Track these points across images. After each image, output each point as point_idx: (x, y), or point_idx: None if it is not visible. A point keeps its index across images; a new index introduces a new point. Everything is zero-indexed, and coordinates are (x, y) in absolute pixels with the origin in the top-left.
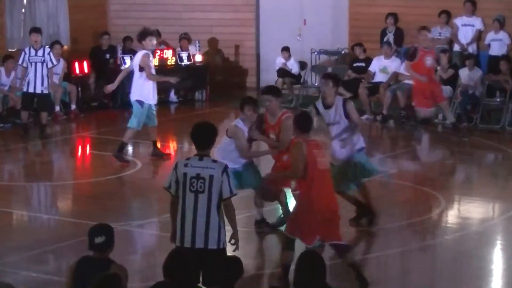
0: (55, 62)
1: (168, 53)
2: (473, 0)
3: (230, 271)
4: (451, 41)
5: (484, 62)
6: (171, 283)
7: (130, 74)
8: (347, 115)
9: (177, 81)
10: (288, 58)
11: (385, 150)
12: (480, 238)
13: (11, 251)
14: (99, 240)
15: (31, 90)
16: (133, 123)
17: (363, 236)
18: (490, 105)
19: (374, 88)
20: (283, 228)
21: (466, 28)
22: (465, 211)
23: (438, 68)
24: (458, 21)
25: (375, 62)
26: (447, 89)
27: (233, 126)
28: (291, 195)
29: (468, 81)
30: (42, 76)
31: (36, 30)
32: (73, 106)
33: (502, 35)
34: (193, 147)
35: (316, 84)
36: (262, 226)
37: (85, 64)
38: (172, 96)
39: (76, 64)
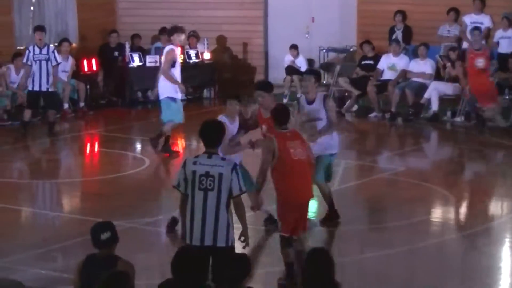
0: (59, 60)
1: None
2: None
3: (239, 269)
4: (459, 39)
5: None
6: (179, 281)
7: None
8: (326, 111)
9: (182, 92)
10: (296, 55)
11: (394, 147)
12: (489, 236)
13: (20, 248)
14: (104, 236)
15: (36, 88)
16: (169, 116)
17: (371, 234)
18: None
19: (383, 86)
20: None
21: (475, 25)
22: (473, 209)
23: (448, 65)
24: (467, 18)
25: (384, 60)
26: (455, 87)
27: None
28: None
29: None
30: (47, 74)
31: (40, 28)
32: (82, 104)
33: (511, 32)
34: (201, 144)
35: (324, 82)
36: (267, 224)
37: (93, 62)
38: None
39: (85, 62)
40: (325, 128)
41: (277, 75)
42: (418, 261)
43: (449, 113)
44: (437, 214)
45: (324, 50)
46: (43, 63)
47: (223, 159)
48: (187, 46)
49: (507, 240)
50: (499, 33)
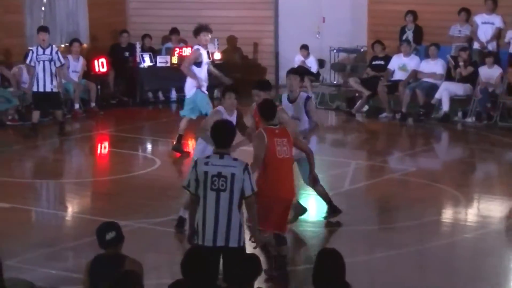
0: (63, 61)
1: (187, 51)
2: None
3: (249, 269)
4: (470, 39)
5: (504, 60)
6: (189, 281)
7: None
8: (307, 113)
9: (199, 86)
10: (306, 56)
11: (404, 148)
12: (500, 236)
13: (30, 248)
14: (110, 236)
15: (40, 89)
16: (186, 112)
17: (381, 234)
18: (510, 103)
19: (393, 86)
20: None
21: (486, 26)
22: (484, 209)
23: (461, 64)
24: (478, 18)
25: (394, 60)
26: (466, 87)
27: (213, 111)
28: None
29: (488, 79)
30: (51, 74)
31: (43, 29)
32: (93, 104)
33: None
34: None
35: (335, 82)
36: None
37: (104, 62)
38: None
39: (95, 62)
40: (312, 129)
41: None
42: (428, 262)
43: (460, 114)
44: (447, 214)
45: (335, 50)
46: (47, 63)
47: (235, 159)
48: None
49: None
50: (510, 33)
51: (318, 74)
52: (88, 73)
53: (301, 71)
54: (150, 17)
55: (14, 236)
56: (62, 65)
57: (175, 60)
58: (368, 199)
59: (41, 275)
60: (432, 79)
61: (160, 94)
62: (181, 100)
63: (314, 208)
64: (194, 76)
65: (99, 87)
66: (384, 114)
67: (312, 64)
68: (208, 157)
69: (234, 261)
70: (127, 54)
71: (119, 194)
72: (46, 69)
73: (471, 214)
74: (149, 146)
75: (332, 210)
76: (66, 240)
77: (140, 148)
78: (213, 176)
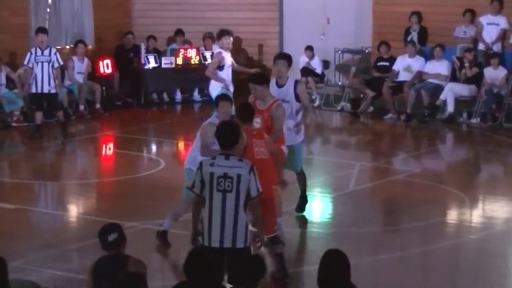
0: (61, 62)
1: (192, 52)
2: None
3: (255, 270)
4: (475, 40)
5: (509, 61)
6: (193, 283)
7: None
8: (297, 97)
9: (226, 86)
10: (311, 57)
11: (409, 149)
12: (505, 238)
13: (35, 249)
14: (112, 237)
15: (39, 90)
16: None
17: (386, 235)
18: None
19: (398, 87)
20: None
21: (491, 27)
22: (489, 211)
23: (466, 65)
24: (483, 19)
25: (399, 61)
26: (471, 88)
27: (207, 124)
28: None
29: (493, 80)
30: (49, 75)
31: (42, 30)
32: (98, 105)
33: None
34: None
35: (339, 83)
36: None
37: (109, 63)
38: (196, 95)
39: (100, 63)
40: (304, 115)
41: (292, 76)
42: (433, 263)
43: (465, 115)
44: (452, 216)
45: (340, 52)
46: (45, 65)
47: (240, 160)
48: (202, 48)
49: None
50: None
51: (322, 75)
52: (93, 75)
53: (288, 56)
54: (154, 18)
55: (19, 237)
56: (60, 66)
57: (179, 61)
58: (372, 201)
59: (46, 276)
60: (437, 80)
61: (165, 95)
62: (185, 101)
63: (318, 209)
64: (220, 79)
65: (104, 88)
66: (388, 115)
67: (316, 65)
68: (213, 158)
69: (240, 262)
70: (132, 55)
71: (124, 195)
72: (44, 70)
73: (476, 216)
74: (154, 147)
75: (303, 202)
76: (71, 241)
77: (145, 149)
78: (219, 177)
